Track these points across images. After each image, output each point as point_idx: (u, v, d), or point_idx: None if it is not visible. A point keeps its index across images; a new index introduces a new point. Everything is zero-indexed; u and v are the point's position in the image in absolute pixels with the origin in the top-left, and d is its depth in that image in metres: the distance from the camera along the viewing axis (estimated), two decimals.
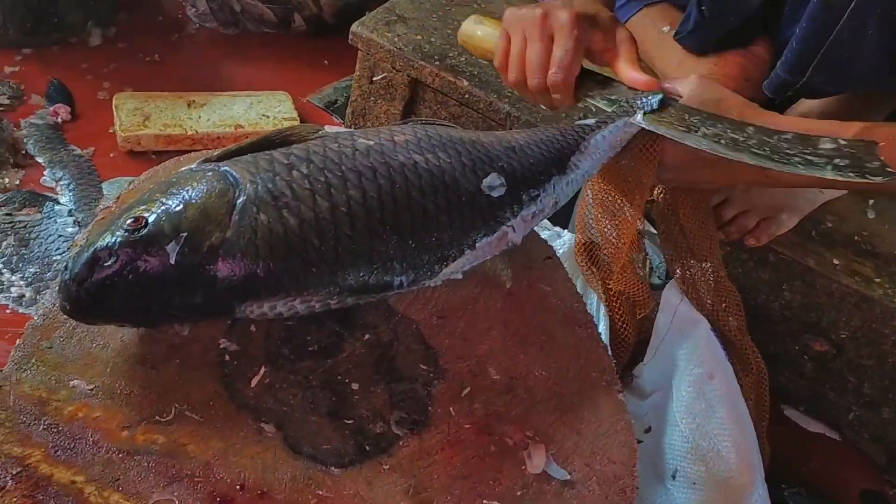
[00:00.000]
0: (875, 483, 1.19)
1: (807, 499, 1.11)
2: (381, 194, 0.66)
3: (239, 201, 0.63)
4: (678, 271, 1.01)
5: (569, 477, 0.67)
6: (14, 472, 0.59)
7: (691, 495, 0.93)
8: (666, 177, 0.87)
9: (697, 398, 0.95)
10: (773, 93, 1.10)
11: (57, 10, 1.49)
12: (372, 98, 1.27)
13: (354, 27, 1.23)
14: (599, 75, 0.88)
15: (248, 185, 0.64)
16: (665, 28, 1.27)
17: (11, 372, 0.64)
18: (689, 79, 0.85)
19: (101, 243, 0.61)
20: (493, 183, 0.72)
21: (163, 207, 0.63)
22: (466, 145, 0.74)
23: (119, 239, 0.61)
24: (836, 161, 0.73)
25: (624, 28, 0.88)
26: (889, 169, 0.73)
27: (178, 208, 0.63)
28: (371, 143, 0.70)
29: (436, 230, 0.68)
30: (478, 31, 0.98)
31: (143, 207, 0.63)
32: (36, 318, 0.68)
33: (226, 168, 0.66)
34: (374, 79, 1.24)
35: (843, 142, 0.75)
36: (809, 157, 0.73)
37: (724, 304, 0.98)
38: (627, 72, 0.85)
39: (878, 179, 0.73)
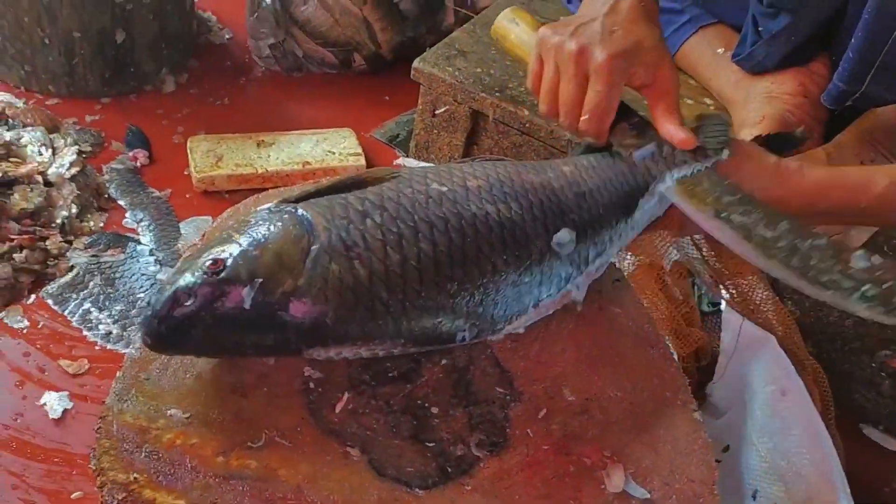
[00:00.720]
0: None
1: None
2: (451, 248, 0.68)
3: (313, 248, 0.66)
4: (731, 291, 1.01)
5: (649, 496, 0.68)
6: (120, 497, 0.62)
7: None
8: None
9: (772, 417, 0.95)
10: (832, 103, 1.10)
11: (133, 60, 1.58)
12: (435, 131, 1.31)
13: (416, 63, 1.27)
14: (636, 116, 0.83)
15: (322, 233, 0.66)
16: (720, 49, 1.28)
17: (114, 403, 0.68)
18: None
19: (182, 283, 0.65)
20: (563, 240, 0.72)
21: (240, 251, 0.66)
22: (539, 194, 0.73)
23: (198, 280, 0.64)
24: (866, 290, 0.68)
25: (667, 62, 0.82)
26: None
27: (254, 253, 0.65)
28: (444, 189, 0.71)
29: (503, 287, 0.70)
30: (512, 32, 0.93)
31: (221, 248, 0.66)
32: (133, 351, 0.72)
33: (302, 212, 0.69)
34: (437, 112, 1.28)
35: (876, 261, 0.70)
36: (838, 280, 0.69)
37: (782, 326, 0.98)
38: (665, 124, 0.79)
39: None
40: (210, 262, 0.65)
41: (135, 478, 0.64)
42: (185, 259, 0.73)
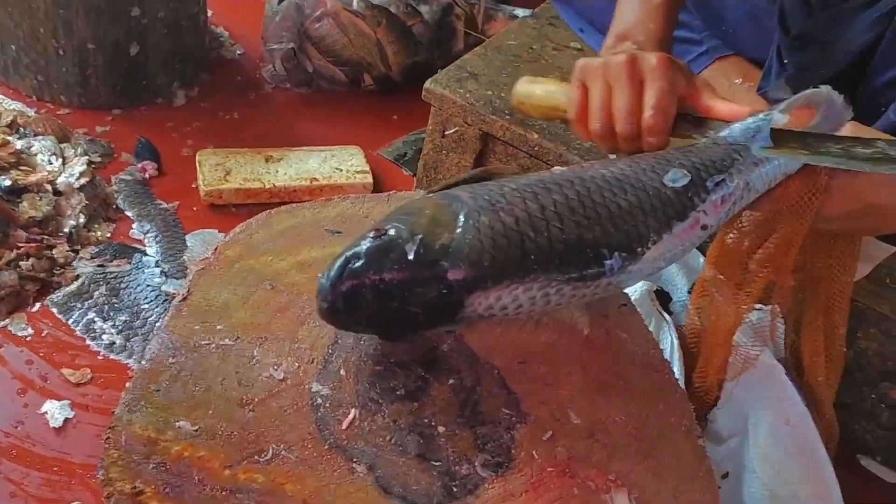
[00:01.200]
0: None
1: None
2: (580, 196, 0.74)
3: (462, 210, 0.72)
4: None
5: None
6: None
7: None
8: (827, 227, 0.83)
9: (775, 445, 0.95)
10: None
11: (145, 73, 1.59)
12: (444, 151, 1.32)
13: (428, 84, 1.28)
14: (689, 115, 0.86)
15: (468, 199, 0.73)
16: (737, 80, 1.29)
17: (123, 413, 0.68)
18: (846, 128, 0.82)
19: (349, 251, 0.70)
20: (675, 177, 0.77)
21: (398, 221, 0.72)
22: (647, 158, 0.80)
23: (365, 245, 0.70)
24: None
25: (699, 77, 0.88)
26: None
27: (411, 219, 0.71)
28: (564, 169, 0.79)
29: (632, 221, 0.74)
30: (537, 90, 0.97)
31: (380, 223, 0.72)
32: (144, 362, 0.73)
33: (444, 192, 0.75)
34: (446, 133, 1.29)
35: None
36: None
37: (823, 358, 0.96)
38: (723, 105, 0.84)
39: None
40: (372, 231, 0.70)
41: (142, 489, 0.64)
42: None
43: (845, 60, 1.11)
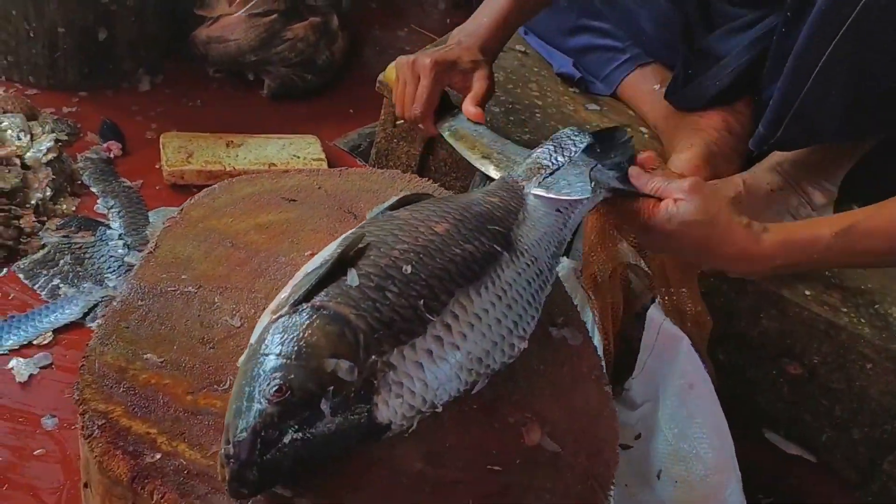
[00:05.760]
0: (849, 501, 1.28)
1: None
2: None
3: (360, 338, 0.67)
4: (660, 299, 1.14)
5: (560, 450, 0.79)
6: (100, 424, 0.71)
7: (673, 492, 1.04)
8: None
9: (680, 406, 1.07)
10: (755, 147, 1.23)
11: (112, 58, 1.66)
12: (395, 140, 1.42)
13: (381, 77, 1.38)
14: (456, 108, 1.12)
15: (354, 318, 0.68)
16: (656, 86, 1.42)
17: (96, 345, 0.77)
18: (685, 188, 0.90)
19: (255, 421, 0.62)
20: None
21: (294, 370, 0.64)
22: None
23: (271, 410, 0.62)
24: None
25: (484, 69, 1.13)
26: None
27: (311, 365, 0.64)
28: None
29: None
30: (393, 75, 1.21)
31: (278, 374, 0.64)
32: (115, 304, 0.81)
33: (325, 311, 0.68)
34: (397, 123, 1.39)
35: None
36: None
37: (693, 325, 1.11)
38: (465, 105, 1.10)
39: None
40: (275, 389, 0.63)
41: (113, 408, 0.72)
42: (233, 399, 0.66)
43: (733, 74, 1.26)
